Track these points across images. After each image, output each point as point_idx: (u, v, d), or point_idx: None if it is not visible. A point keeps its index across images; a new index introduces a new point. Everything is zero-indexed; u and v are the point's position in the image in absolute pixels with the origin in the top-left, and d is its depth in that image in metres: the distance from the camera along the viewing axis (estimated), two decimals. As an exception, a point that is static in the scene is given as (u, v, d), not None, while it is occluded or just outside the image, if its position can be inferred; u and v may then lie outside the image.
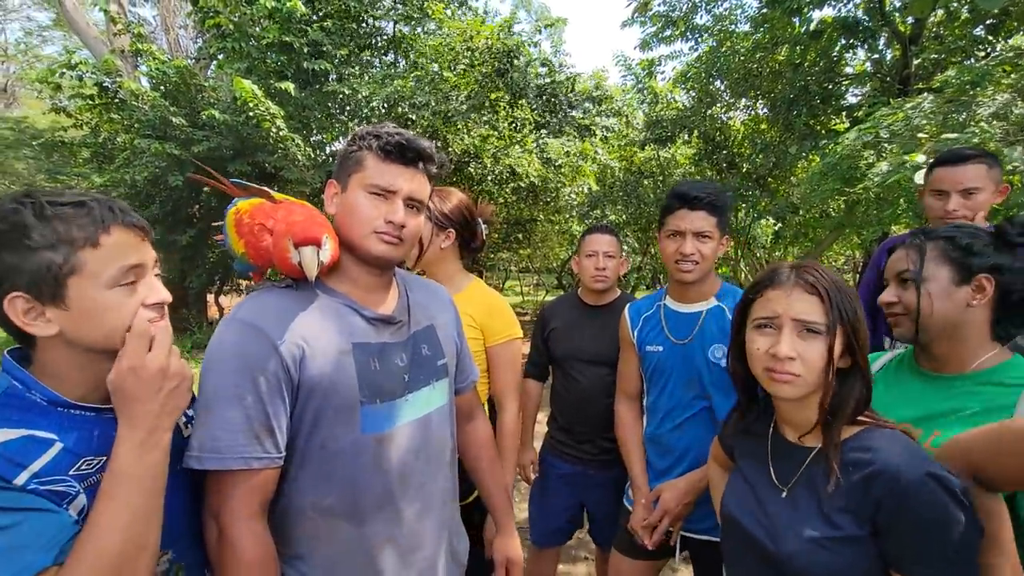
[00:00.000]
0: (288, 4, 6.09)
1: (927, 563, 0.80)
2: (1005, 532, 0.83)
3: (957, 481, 0.79)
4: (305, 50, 6.63)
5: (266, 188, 1.04)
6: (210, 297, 10.09)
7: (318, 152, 7.31)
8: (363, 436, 0.98)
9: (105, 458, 0.78)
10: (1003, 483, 0.83)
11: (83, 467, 0.77)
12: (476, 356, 1.65)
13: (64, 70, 7.14)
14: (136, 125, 6.74)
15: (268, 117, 5.91)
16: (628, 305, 1.77)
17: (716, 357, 1.51)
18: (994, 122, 2.79)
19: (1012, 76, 3.41)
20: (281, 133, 6.08)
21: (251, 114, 5.87)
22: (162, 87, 6.98)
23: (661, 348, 1.60)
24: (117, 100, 7.54)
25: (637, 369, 1.70)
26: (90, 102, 7.52)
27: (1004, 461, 0.80)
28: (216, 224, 1.13)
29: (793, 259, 10.25)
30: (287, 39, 6.30)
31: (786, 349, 0.90)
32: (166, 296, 0.86)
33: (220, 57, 6.94)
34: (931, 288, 1.04)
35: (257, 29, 6.34)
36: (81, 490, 0.75)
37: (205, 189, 8.04)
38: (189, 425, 0.94)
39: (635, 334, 1.68)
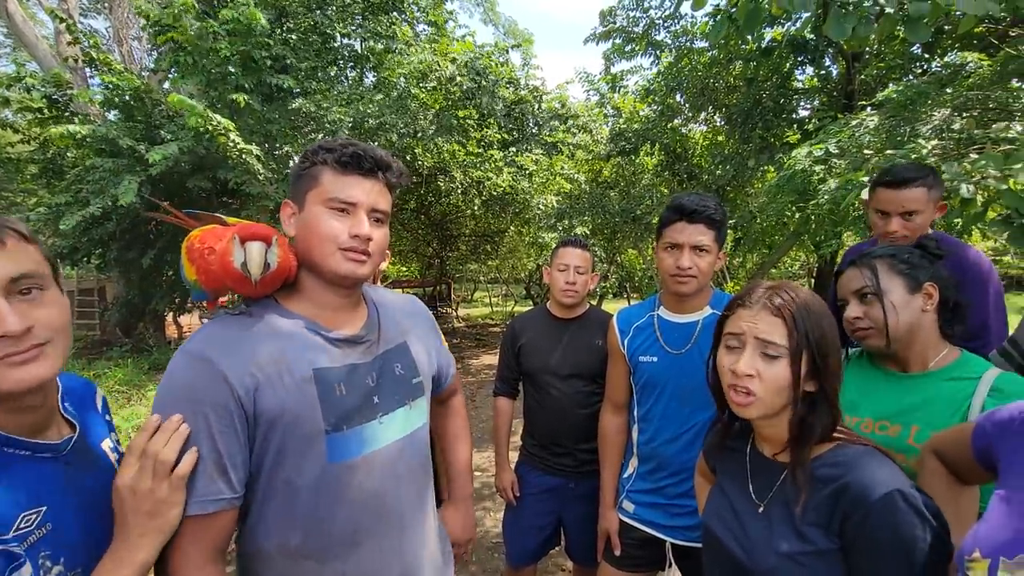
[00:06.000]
0: (248, 17, 5.97)
1: None
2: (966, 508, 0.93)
3: (924, 498, 0.81)
4: (268, 64, 6.53)
5: (219, 215, 1.01)
6: (169, 316, 9.76)
7: (282, 166, 7.19)
8: (330, 466, 0.93)
9: (45, 509, 0.71)
10: (967, 477, 0.92)
11: (23, 525, 0.68)
12: None
13: (12, 83, 6.87)
14: (88, 140, 6.50)
15: (222, 131, 5.77)
16: (617, 313, 1.73)
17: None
18: (932, 139, 2.97)
19: (949, 91, 3.65)
20: (238, 147, 5.94)
21: (201, 130, 5.72)
22: (116, 99, 6.76)
23: (656, 359, 1.57)
24: (67, 114, 7.26)
25: (626, 379, 1.67)
26: (39, 115, 7.24)
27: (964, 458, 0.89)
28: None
29: (752, 265, 10.60)
30: (246, 49, 6.17)
31: (744, 366, 0.93)
32: (10, 328, 0.67)
33: (175, 71, 6.75)
34: (892, 299, 1.14)
35: (215, 42, 6.20)
36: (23, 553, 0.66)
37: (164, 205, 7.79)
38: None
39: (625, 344, 1.64)
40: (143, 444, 0.80)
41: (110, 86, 6.53)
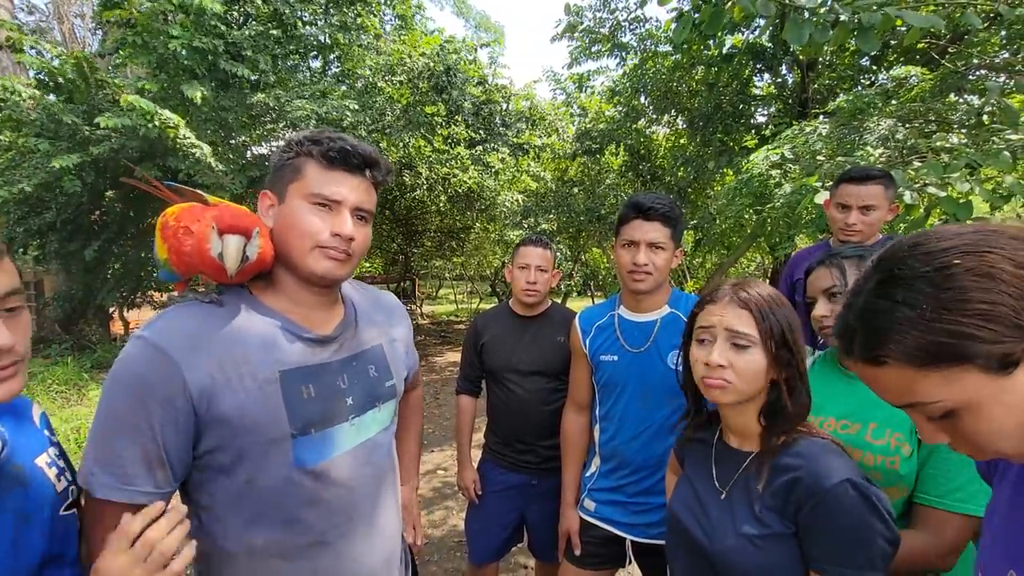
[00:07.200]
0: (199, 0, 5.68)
1: (838, 563, 0.85)
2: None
3: (876, 490, 0.85)
4: (221, 50, 6.24)
5: (201, 192, 0.96)
6: (115, 311, 9.26)
7: (238, 156, 6.91)
8: (297, 470, 0.91)
9: None
10: None
11: None
12: None
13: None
14: (24, 121, 6.07)
15: (172, 125, 5.51)
16: (579, 314, 1.75)
17: (675, 363, 1.50)
18: (879, 147, 3.12)
19: (893, 104, 3.84)
20: (188, 140, 5.67)
21: (151, 125, 5.44)
22: (53, 81, 6.34)
23: (616, 357, 1.58)
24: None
25: (588, 378, 1.68)
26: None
27: None
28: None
29: (712, 265, 10.92)
30: (198, 44, 5.88)
31: (716, 357, 0.98)
32: (4, 342, 0.68)
33: (122, 51, 6.36)
34: None
35: (166, 24, 5.88)
36: None
37: (108, 194, 7.38)
38: (61, 477, 0.83)
39: (587, 343, 1.66)
40: (137, 529, 0.74)
41: (47, 67, 6.11)
